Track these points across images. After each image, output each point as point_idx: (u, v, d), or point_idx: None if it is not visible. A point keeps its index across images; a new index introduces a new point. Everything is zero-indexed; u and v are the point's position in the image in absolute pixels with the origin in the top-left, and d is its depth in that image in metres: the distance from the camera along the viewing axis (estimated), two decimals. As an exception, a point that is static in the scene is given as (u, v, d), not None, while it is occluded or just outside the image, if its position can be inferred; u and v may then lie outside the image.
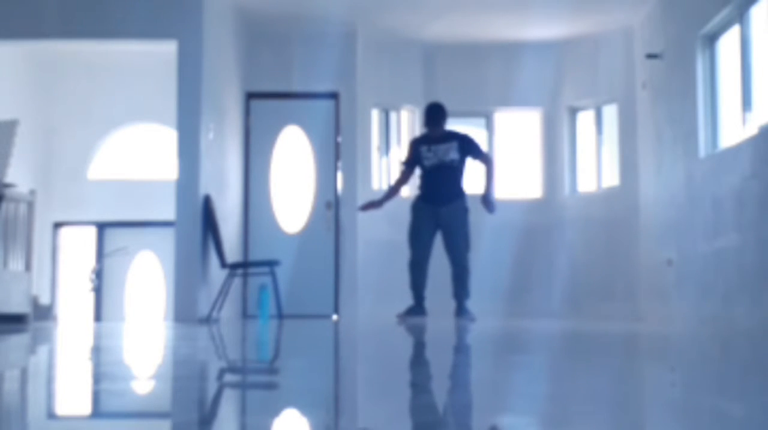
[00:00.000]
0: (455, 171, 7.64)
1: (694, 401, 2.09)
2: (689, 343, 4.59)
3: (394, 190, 8.01)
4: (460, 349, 4.13)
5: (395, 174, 9.31)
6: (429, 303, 7.76)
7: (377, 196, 8.33)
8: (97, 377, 2.63)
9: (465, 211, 7.64)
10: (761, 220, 6.31)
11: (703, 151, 7.63)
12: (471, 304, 7.69)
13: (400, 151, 10.39)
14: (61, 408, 2.00)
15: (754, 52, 6.91)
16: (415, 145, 7.82)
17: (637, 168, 9.58)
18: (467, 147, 7.68)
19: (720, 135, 7.55)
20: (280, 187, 9.92)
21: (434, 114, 7.69)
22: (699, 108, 7.70)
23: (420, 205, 7.69)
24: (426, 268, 7.65)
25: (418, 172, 7.87)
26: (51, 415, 1.89)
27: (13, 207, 7.53)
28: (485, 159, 7.78)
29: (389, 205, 8.32)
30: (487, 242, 9.08)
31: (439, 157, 7.60)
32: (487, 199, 7.63)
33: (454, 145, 7.63)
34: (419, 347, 4.36)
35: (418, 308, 7.63)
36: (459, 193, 7.66)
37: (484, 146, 10.47)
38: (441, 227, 7.63)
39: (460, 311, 7.61)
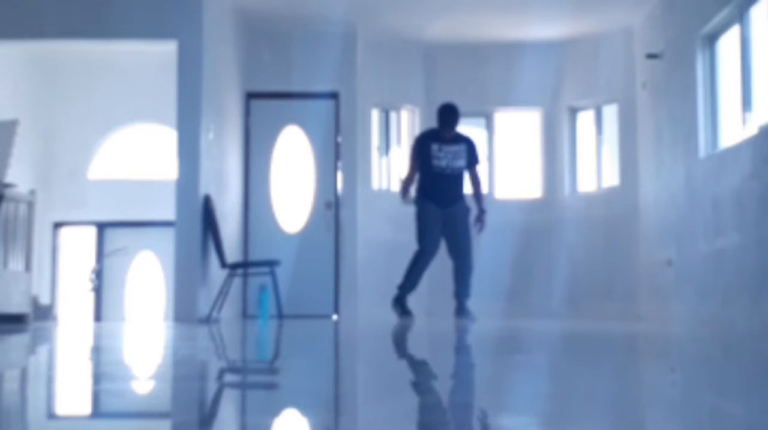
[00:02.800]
0: (459, 178, 7.72)
1: (694, 401, 2.09)
2: (689, 343, 4.59)
3: (408, 181, 7.86)
4: (460, 349, 4.13)
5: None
6: (429, 304, 7.75)
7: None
8: (97, 377, 2.63)
9: (467, 211, 7.71)
10: (761, 220, 6.31)
11: (703, 151, 7.63)
12: (471, 303, 7.70)
13: (400, 151, 10.40)
14: (61, 408, 2.00)
15: (754, 52, 6.90)
16: (425, 141, 7.74)
17: (637, 168, 9.58)
18: (472, 155, 7.75)
19: (720, 135, 7.55)
20: (280, 187, 9.92)
21: (449, 115, 7.68)
22: (699, 108, 7.70)
23: (426, 203, 7.67)
24: (429, 264, 7.67)
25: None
26: (51, 415, 1.89)
27: (13, 207, 7.53)
28: (476, 173, 7.80)
29: (389, 206, 8.35)
30: (487, 242, 9.06)
31: (448, 160, 7.61)
32: (482, 216, 7.68)
33: (464, 149, 7.68)
34: (419, 347, 4.36)
35: (404, 308, 7.65)
36: (461, 196, 7.72)
37: (483, 147, 10.50)
38: (447, 225, 7.65)
39: (461, 310, 7.61)
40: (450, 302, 7.82)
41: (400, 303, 7.68)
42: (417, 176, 7.80)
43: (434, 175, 7.64)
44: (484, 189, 7.93)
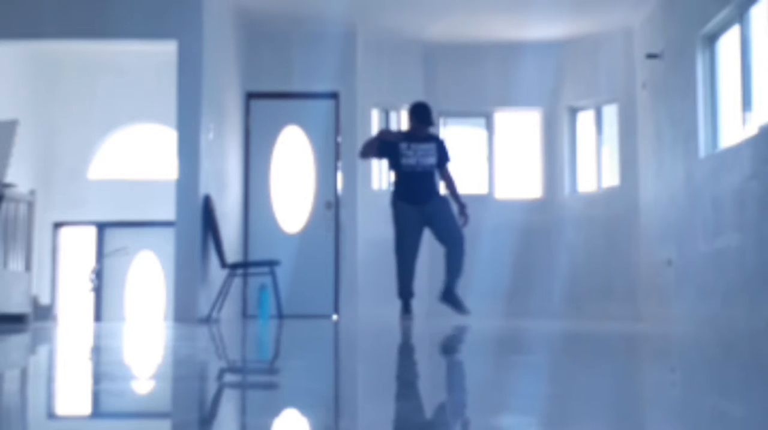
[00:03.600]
0: (431, 176, 7.70)
1: (694, 401, 2.09)
2: (689, 343, 4.59)
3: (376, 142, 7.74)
4: (460, 349, 4.13)
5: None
6: (429, 304, 7.75)
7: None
8: (97, 377, 2.63)
9: (446, 202, 7.68)
10: (761, 220, 6.31)
11: (703, 151, 7.64)
12: (471, 303, 7.68)
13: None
14: (61, 408, 2.00)
15: (754, 52, 6.91)
16: (396, 139, 7.72)
17: (637, 168, 9.58)
18: (442, 153, 7.73)
19: (720, 135, 7.55)
20: (280, 187, 9.92)
21: (424, 114, 7.65)
22: (699, 108, 7.70)
23: (403, 206, 7.65)
24: (414, 273, 7.65)
25: (391, 169, 7.80)
26: (51, 415, 1.89)
27: (13, 207, 7.53)
28: (448, 172, 7.78)
29: (389, 206, 8.33)
30: (487, 241, 9.07)
31: (418, 158, 7.61)
32: (463, 210, 7.65)
33: (433, 147, 7.68)
34: (419, 347, 4.36)
35: (407, 308, 7.66)
36: (436, 191, 7.74)
37: (483, 147, 10.50)
38: (429, 221, 7.62)
39: (451, 295, 7.52)
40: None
41: (402, 309, 7.68)
42: (391, 174, 7.79)
43: (405, 174, 7.64)
44: (461, 187, 7.89)
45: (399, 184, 7.69)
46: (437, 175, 7.74)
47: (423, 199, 7.62)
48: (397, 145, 7.60)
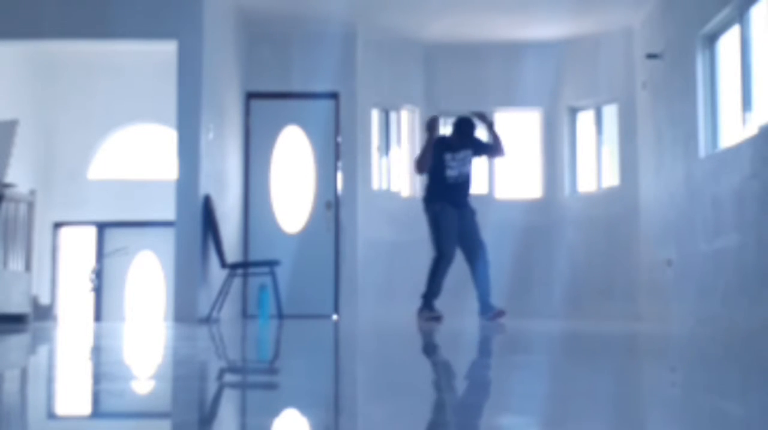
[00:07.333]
0: (468, 184, 7.85)
1: (694, 401, 2.09)
2: (689, 343, 4.59)
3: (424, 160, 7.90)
4: (460, 349, 4.13)
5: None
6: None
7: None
8: (97, 377, 2.63)
9: (474, 212, 7.82)
10: (761, 220, 6.31)
11: (703, 151, 7.63)
12: (472, 303, 7.68)
13: (399, 152, 10.39)
14: (61, 408, 2.00)
15: (754, 52, 6.90)
16: (440, 148, 7.81)
17: (637, 168, 9.58)
18: (478, 151, 7.91)
19: (720, 135, 7.55)
20: (280, 187, 9.92)
21: (467, 129, 7.81)
22: (699, 108, 7.70)
23: (445, 206, 7.73)
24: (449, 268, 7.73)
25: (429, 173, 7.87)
26: (51, 415, 1.89)
27: (13, 207, 7.53)
28: (494, 149, 7.95)
29: (389, 206, 8.35)
30: (487, 241, 9.05)
31: (459, 168, 7.77)
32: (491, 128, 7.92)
33: (470, 153, 7.83)
34: (420, 347, 4.36)
35: (432, 310, 7.63)
36: (469, 199, 7.87)
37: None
38: (461, 227, 7.72)
39: (488, 308, 7.56)
40: (454, 302, 7.80)
41: (428, 308, 7.65)
42: (427, 181, 7.85)
43: (447, 185, 7.75)
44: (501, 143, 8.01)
45: (439, 190, 7.78)
46: (471, 182, 7.87)
47: (461, 204, 7.79)
48: (443, 155, 7.70)
